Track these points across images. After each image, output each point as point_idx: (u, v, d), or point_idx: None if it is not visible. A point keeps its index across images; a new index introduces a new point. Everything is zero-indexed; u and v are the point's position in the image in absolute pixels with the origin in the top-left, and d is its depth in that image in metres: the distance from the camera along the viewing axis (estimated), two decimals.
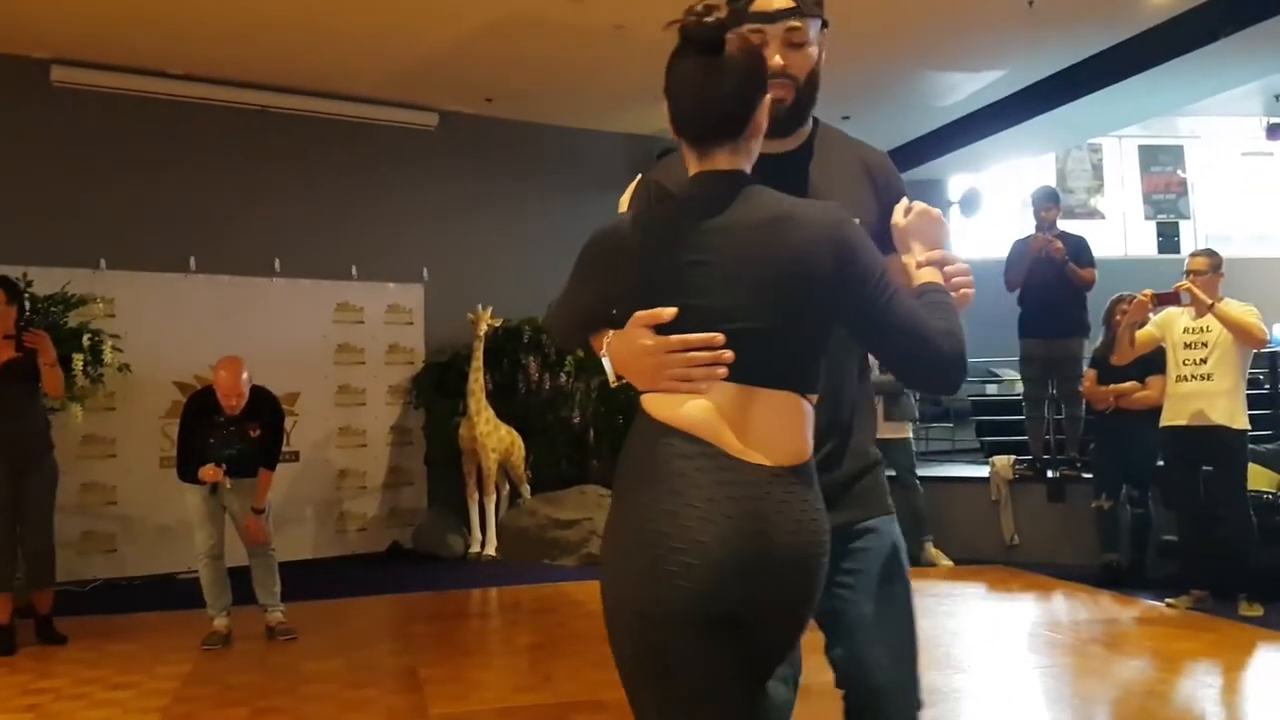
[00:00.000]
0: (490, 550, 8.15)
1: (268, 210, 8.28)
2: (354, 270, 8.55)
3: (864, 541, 2.09)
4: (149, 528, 7.46)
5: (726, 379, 1.70)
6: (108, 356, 6.81)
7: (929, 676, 4.58)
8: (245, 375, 5.53)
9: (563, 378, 8.81)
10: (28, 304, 6.33)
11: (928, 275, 1.95)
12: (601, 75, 8.54)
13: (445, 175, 9.02)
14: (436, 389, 8.66)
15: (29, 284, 6.54)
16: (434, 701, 4.31)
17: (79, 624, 5.91)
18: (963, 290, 1.96)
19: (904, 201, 2.06)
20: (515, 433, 8.33)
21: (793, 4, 2.03)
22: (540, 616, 6.29)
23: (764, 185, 1.79)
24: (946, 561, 7.50)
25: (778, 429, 1.72)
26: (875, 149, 2.27)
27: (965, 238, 12.32)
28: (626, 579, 1.73)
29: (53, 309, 6.78)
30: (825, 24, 2.11)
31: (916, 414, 8.12)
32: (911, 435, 7.94)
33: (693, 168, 1.82)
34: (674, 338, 1.70)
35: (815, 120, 2.20)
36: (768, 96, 1.82)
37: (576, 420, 8.86)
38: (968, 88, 9.36)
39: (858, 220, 1.84)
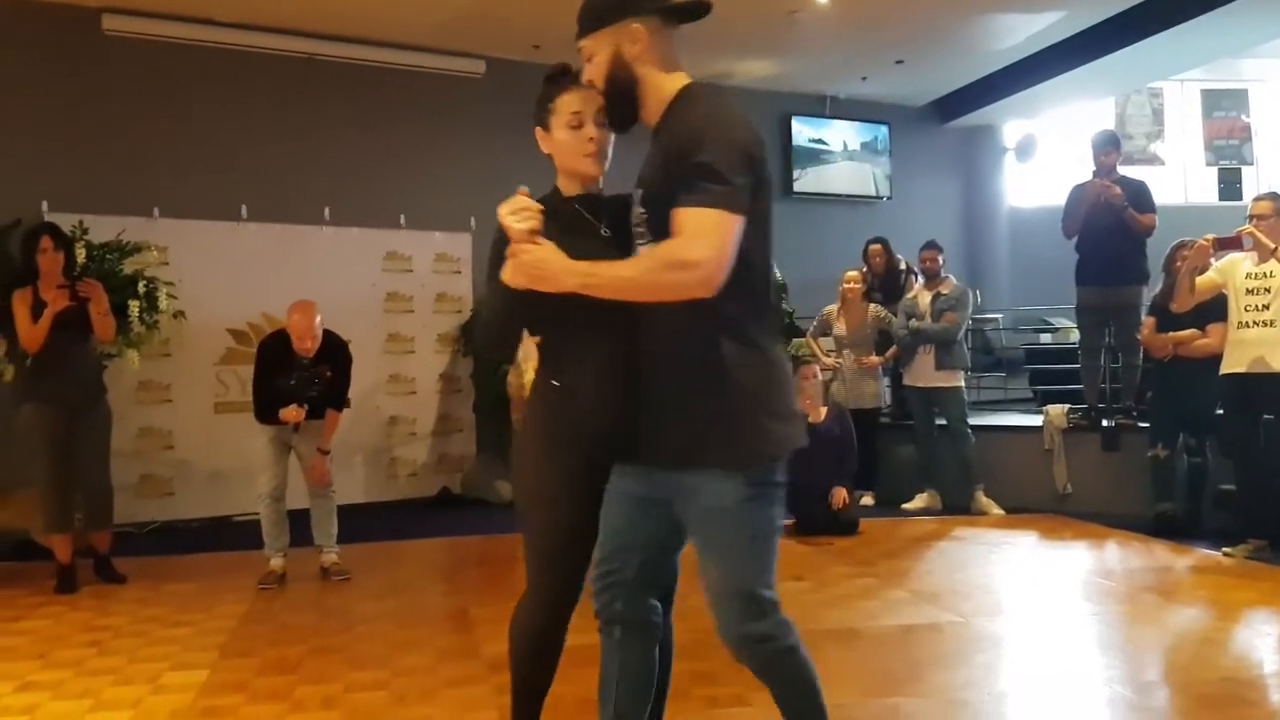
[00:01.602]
0: None
1: (317, 159, 8.30)
2: (402, 219, 8.56)
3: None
4: (204, 471, 7.59)
5: None
6: (163, 303, 6.91)
7: (979, 622, 4.59)
8: (318, 318, 5.60)
9: None
10: (83, 251, 6.42)
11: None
12: None
13: (493, 123, 8.98)
14: None
15: (85, 232, 6.64)
16: (485, 641, 4.35)
17: (138, 564, 6.04)
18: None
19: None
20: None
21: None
22: None
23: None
24: (997, 510, 7.46)
25: None
26: (692, 122, 2.27)
27: (1021, 184, 12.12)
28: None
29: (108, 256, 6.85)
30: (613, 21, 2.33)
31: (968, 363, 8.02)
32: (963, 384, 7.85)
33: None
34: None
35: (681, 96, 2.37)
36: None
37: None
38: (1025, 30, 9.14)
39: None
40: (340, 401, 5.78)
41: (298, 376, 5.57)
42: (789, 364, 2.42)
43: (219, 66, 8.14)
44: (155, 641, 4.59)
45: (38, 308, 5.50)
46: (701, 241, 2.13)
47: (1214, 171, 12.97)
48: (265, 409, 5.64)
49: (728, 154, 2.15)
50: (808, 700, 2.48)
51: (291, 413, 5.56)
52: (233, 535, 7.01)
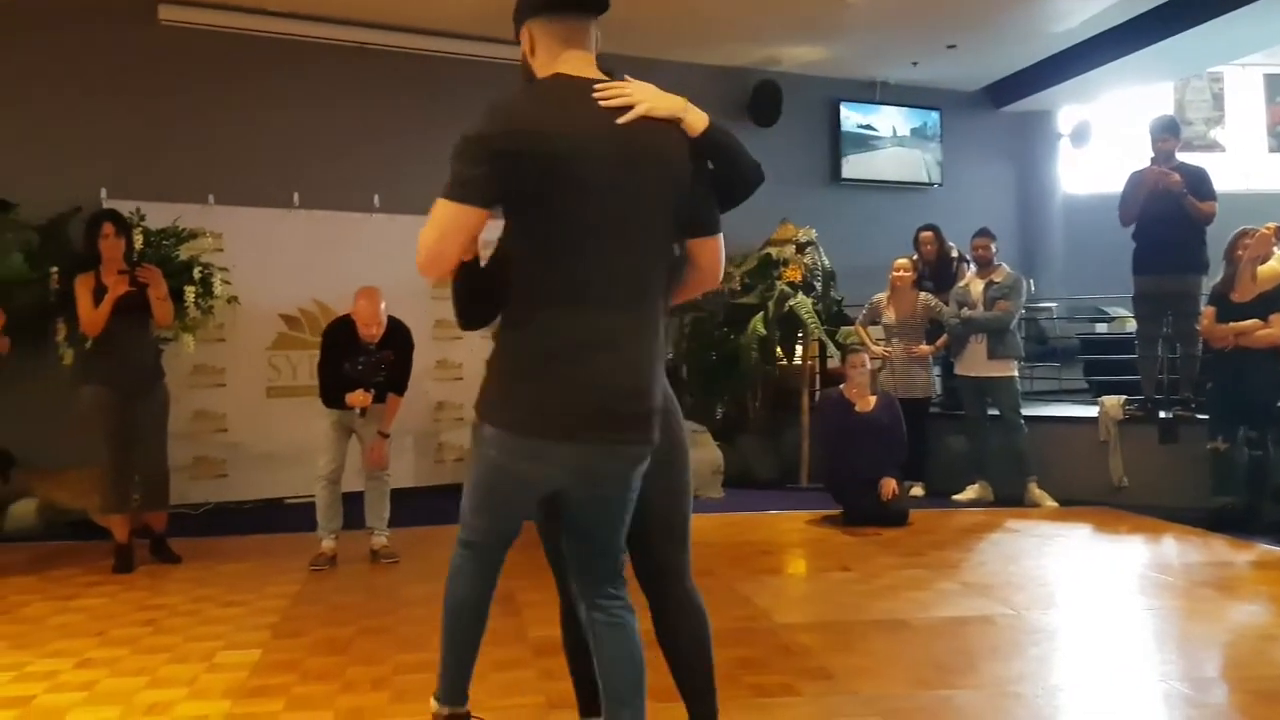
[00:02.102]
0: None
1: (367, 147, 8.35)
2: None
3: None
4: (257, 454, 7.67)
5: None
6: (218, 289, 6.98)
7: (1032, 615, 4.54)
8: (383, 305, 5.66)
9: None
10: (140, 238, 6.52)
11: None
12: (701, 9, 8.41)
13: None
14: None
15: (142, 218, 6.74)
16: (533, 625, 4.37)
17: (192, 545, 6.13)
18: None
19: None
20: None
21: None
22: None
23: None
24: (1051, 502, 7.37)
25: None
26: None
27: (1077, 171, 11.93)
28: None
29: (164, 242, 6.94)
30: (517, 30, 2.50)
31: (1022, 352, 7.92)
32: (1016, 374, 7.74)
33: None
34: None
35: None
36: None
37: (669, 355, 8.84)
38: (1081, 13, 8.98)
39: None
40: (402, 386, 5.84)
41: (364, 362, 5.64)
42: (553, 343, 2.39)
43: (272, 55, 8.21)
44: (209, 621, 4.67)
45: (99, 292, 5.60)
46: (425, 229, 2.33)
47: (1277, 158, 12.67)
48: (331, 393, 5.71)
49: (460, 145, 2.30)
50: None
51: (358, 397, 5.64)
52: (284, 517, 7.11)
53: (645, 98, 2.36)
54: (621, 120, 2.32)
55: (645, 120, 2.35)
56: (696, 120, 2.44)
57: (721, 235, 2.55)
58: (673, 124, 2.41)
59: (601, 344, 2.34)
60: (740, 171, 2.53)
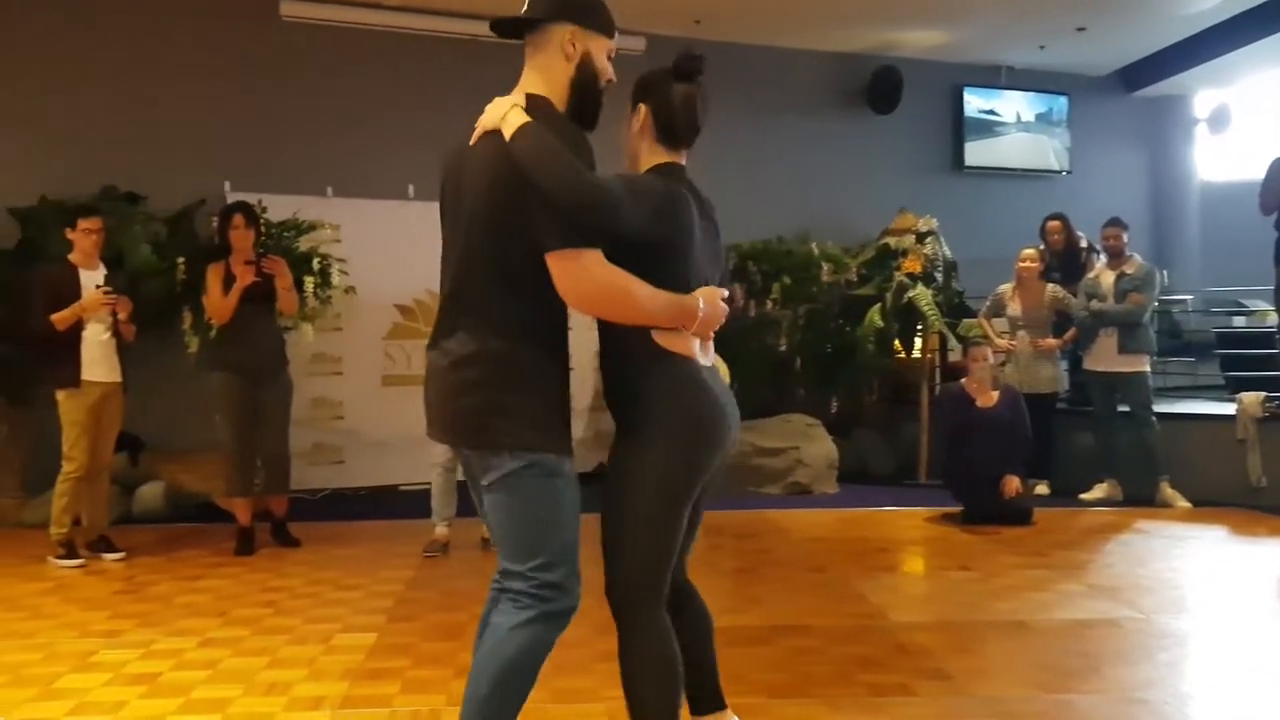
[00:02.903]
0: None
1: None
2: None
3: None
4: (372, 441, 7.80)
5: None
6: (335, 279, 7.12)
7: (1161, 619, 4.33)
8: None
9: (769, 304, 8.67)
10: (263, 229, 6.68)
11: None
12: None
13: None
14: None
15: (264, 210, 6.88)
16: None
17: (310, 529, 6.26)
18: None
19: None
20: (719, 359, 8.23)
21: None
22: (744, 542, 6.24)
23: None
24: (1184, 503, 7.08)
25: None
26: None
27: (1214, 158, 11.43)
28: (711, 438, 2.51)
29: (285, 234, 7.10)
30: None
31: (1154, 347, 7.59)
32: (1149, 369, 7.43)
33: (651, 159, 2.66)
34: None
35: None
36: None
37: (782, 347, 8.71)
38: None
39: None
40: None
41: None
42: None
43: (387, 49, 8.35)
44: (327, 603, 4.76)
45: (228, 281, 5.78)
46: None
47: None
48: None
49: None
50: None
51: None
52: (398, 503, 7.23)
53: (486, 113, 2.39)
54: (471, 141, 2.39)
55: (483, 136, 2.36)
56: (507, 129, 2.29)
57: (570, 253, 2.25)
58: (497, 135, 2.30)
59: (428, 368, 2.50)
60: (542, 185, 2.21)
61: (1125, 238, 7.48)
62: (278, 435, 6.02)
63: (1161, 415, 7.40)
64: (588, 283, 2.30)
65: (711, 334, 2.58)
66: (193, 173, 7.48)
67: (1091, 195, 10.00)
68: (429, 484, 5.87)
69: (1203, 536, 6.27)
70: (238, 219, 5.88)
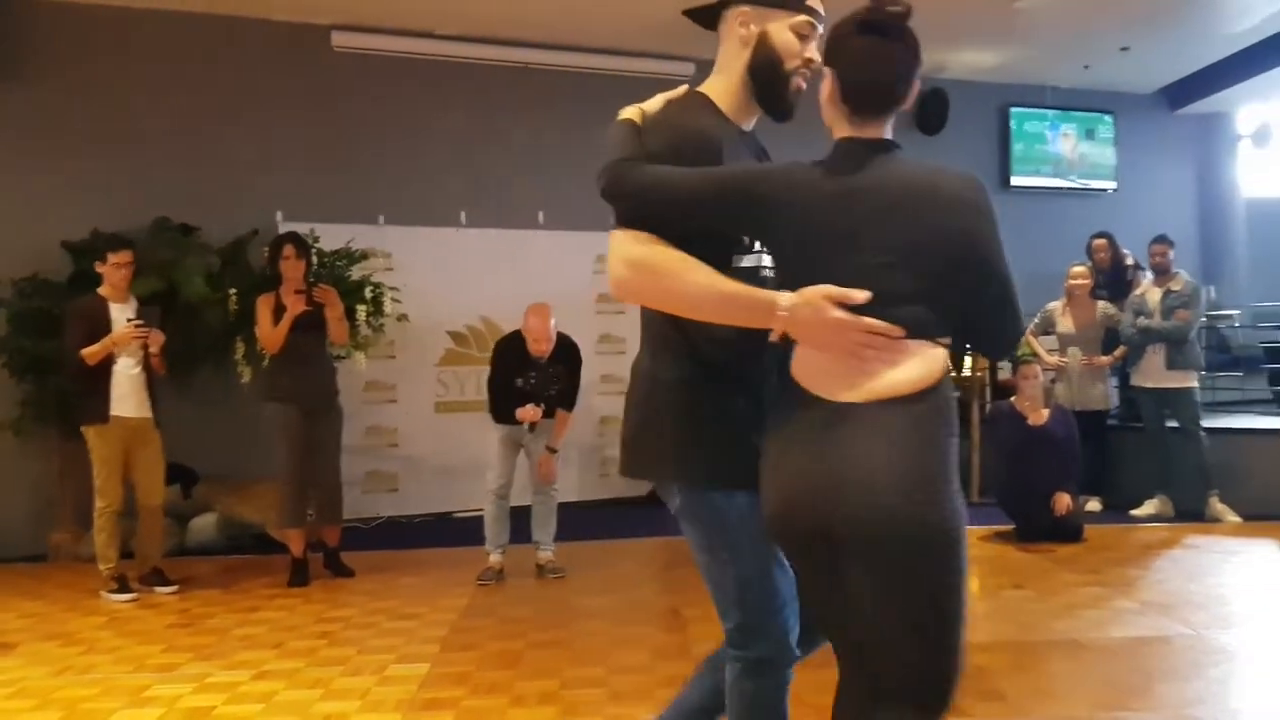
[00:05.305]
0: None
1: (531, 165, 8.48)
2: (612, 222, 8.65)
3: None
4: (427, 469, 7.88)
5: None
6: (388, 307, 7.21)
7: (1212, 635, 4.32)
8: (553, 321, 5.77)
9: None
10: (315, 258, 6.78)
11: None
12: None
13: None
14: None
15: (316, 239, 6.99)
16: (697, 641, 4.35)
17: (365, 558, 6.32)
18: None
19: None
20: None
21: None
22: None
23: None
24: (1234, 517, 7.05)
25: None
26: None
27: (1260, 174, 11.30)
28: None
29: (338, 263, 7.19)
30: None
31: (1202, 362, 7.53)
32: (1197, 384, 7.37)
33: (839, 133, 2.03)
34: (870, 322, 1.89)
35: None
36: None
37: None
38: (1263, 9, 8.49)
39: None
40: (571, 402, 5.92)
41: (534, 377, 5.73)
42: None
43: (438, 78, 8.44)
44: (382, 634, 4.80)
45: (279, 311, 5.86)
46: None
47: None
48: (502, 408, 5.82)
49: None
50: None
51: (529, 412, 5.73)
52: (453, 531, 7.28)
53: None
54: None
55: None
56: None
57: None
58: None
59: None
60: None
61: (1171, 255, 7.46)
62: (330, 465, 6.07)
63: (1210, 430, 7.34)
64: (612, 264, 2.14)
65: (852, 353, 1.92)
66: (246, 204, 7.58)
67: (1138, 212, 9.91)
68: (483, 511, 5.94)
69: (1252, 551, 6.24)
70: (288, 249, 5.97)
